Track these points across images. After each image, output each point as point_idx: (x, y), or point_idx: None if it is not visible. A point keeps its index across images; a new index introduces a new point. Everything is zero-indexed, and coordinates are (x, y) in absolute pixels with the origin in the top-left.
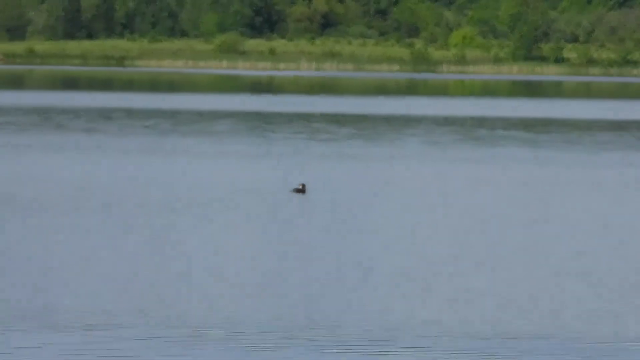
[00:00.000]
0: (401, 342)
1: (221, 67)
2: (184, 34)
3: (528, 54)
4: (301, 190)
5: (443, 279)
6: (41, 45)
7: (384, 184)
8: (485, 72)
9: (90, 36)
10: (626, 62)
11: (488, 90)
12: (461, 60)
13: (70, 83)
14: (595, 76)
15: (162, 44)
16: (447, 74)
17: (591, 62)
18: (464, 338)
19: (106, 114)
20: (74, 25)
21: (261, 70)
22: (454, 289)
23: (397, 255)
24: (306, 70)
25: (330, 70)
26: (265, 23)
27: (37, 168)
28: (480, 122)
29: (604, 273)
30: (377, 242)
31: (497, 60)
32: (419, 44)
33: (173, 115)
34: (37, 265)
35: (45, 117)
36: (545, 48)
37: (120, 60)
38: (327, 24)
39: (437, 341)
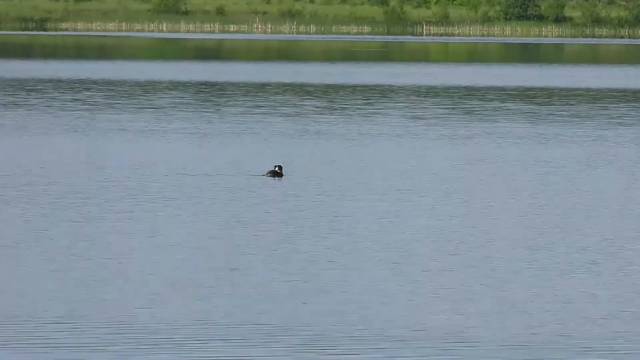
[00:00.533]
0: (384, 344)
1: (160, 30)
2: None
3: (523, 12)
4: (278, 174)
5: (432, 275)
6: None
7: (362, 167)
8: (472, 35)
9: None
10: (639, 21)
11: (476, 55)
12: (443, 21)
13: None
14: (602, 38)
15: (91, 3)
16: (427, 37)
17: (598, 21)
18: (455, 340)
19: (27, 86)
20: None
21: (207, 33)
22: (444, 286)
23: (381, 248)
24: (261, 34)
25: (289, 34)
26: None
27: None
28: (470, 93)
29: (622, 267)
30: (360, 234)
31: (486, 20)
32: (393, 1)
33: (106, 87)
34: None
35: None
36: (544, 5)
37: (41, 23)
38: None
39: (425, 343)
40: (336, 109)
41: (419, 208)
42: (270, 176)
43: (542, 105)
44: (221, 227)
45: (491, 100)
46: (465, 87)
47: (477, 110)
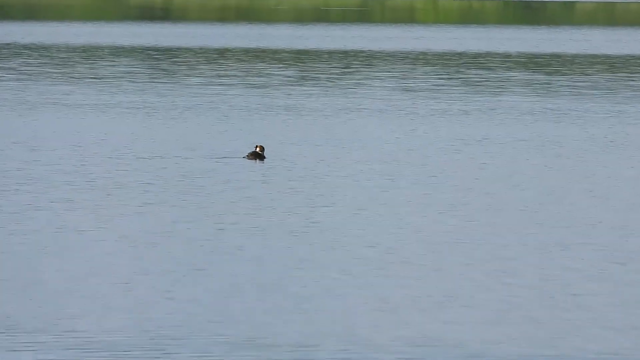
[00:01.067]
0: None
1: None
2: None
3: None
4: (259, 155)
5: (427, 275)
6: None
7: (346, 148)
8: None
9: None
10: None
11: (471, 15)
12: None
13: None
14: None
15: None
16: None
17: None
18: (450, 349)
19: None
20: None
21: None
22: (439, 287)
23: (370, 242)
24: None
25: None
26: None
27: None
28: (467, 60)
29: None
30: (348, 226)
31: None
32: None
33: (37, 53)
34: None
35: None
36: None
37: None
38: None
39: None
40: (308, 80)
41: (405, 201)
42: (250, 159)
43: (551, 75)
44: (179, 219)
45: (492, 69)
46: (460, 54)
47: (476, 81)
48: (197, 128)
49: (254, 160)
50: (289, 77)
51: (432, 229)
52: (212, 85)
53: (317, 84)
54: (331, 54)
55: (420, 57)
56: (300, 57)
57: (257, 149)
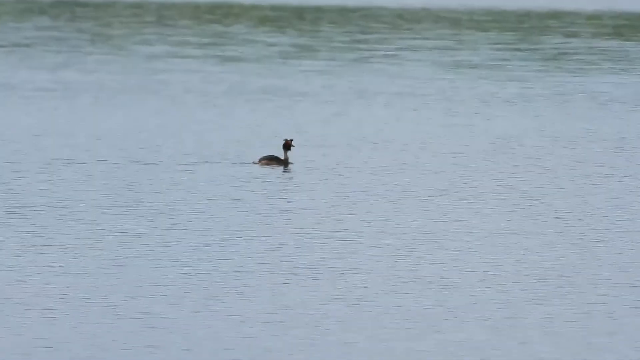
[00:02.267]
0: None
1: None
2: None
3: None
4: (280, 161)
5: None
6: None
7: (371, 147)
8: None
9: None
10: None
11: None
12: None
13: None
14: None
15: None
16: None
17: None
18: None
19: None
20: None
21: None
22: (456, 303)
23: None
24: None
25: None
26: None
27: None
28: (533, 22)
29: None
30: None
31: None
32: None
33: None
34: None
35: None
36: None
37: None
38: None
39: None
40: (311, 50)
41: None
42: (265, 164)
43: None
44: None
45: (566, 37)
46: (527, 14)
47: (544, 53)
48: (136, 114)
49: (270, 167)
50: (281, 46)
51: (436, 235)
52: (159, 56)
53: (318, 56)
54: (341, 12)
55: (468, 18)
56: (288, 15)
57: (288, 141)
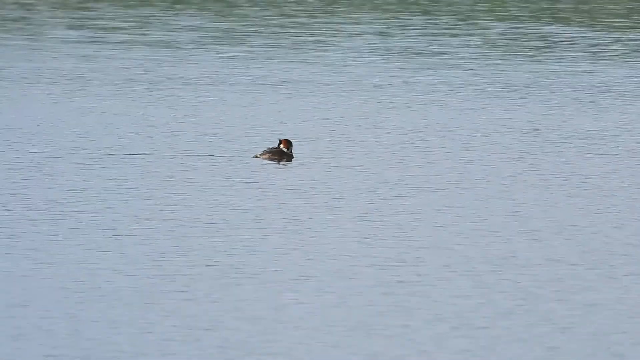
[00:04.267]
0: None
1: None
2: None
3: None
4: (282, 154)
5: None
6: None
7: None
8: None
9: None
10: None
11: None
12: None
13: None
14: None
15: None
16: None
17: None
18: None
19: None
20: None
21: None
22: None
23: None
24: None
25: None
26: None
27: None
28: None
29: None
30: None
31: None
32: None
33: None
34: None
35: None
36: None
37: None
38: None
39: None
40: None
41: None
42: (267, 158)
43: None
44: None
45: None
46: None
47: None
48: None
49: (275, 161)
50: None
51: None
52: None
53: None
54: None
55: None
56: None
57: (281, 145)
